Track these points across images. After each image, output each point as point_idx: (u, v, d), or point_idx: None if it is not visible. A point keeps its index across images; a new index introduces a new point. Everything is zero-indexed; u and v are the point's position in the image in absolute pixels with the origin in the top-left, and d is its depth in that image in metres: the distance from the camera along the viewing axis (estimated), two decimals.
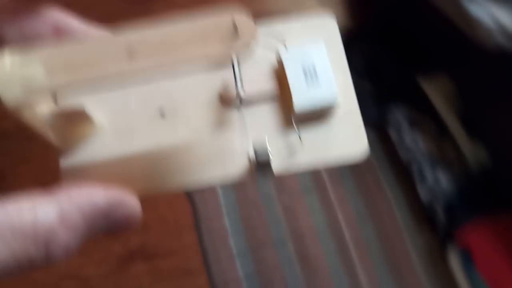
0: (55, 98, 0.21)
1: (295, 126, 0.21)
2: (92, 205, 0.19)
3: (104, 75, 0.19)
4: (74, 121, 0.21)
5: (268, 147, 0.20)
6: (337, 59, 0.22)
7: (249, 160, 0.21)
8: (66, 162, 0.22)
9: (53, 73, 0.19)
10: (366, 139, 0.22)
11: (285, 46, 0.22)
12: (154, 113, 0.22)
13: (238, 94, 0.21)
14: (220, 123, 0.22)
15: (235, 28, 0.19)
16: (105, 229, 0.20)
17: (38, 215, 0.17)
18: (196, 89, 0.22)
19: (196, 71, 0.22)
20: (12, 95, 0.18)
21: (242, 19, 0.19)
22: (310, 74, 0.22)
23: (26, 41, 0.21)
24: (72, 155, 0.22)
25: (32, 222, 0.17)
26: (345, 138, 0.22)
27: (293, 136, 0.22)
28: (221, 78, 0.22)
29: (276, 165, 0.21)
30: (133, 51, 0.19)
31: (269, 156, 0.20)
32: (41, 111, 0.20)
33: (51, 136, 0.21)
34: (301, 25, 0.23)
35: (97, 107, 0.22)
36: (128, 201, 0.20)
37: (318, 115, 0.22)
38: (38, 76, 0.19)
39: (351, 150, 0.22)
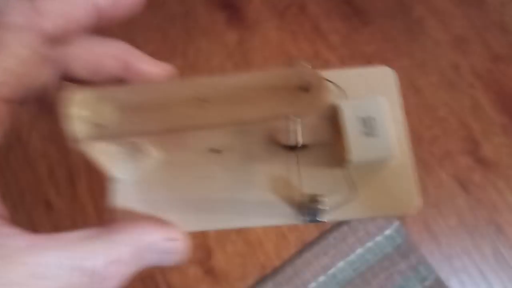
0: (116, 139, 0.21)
1: (350, 177, 0.22)
2: (145, 242, 0.20)
3: (175, 121, 0.19)
4: (130, 149, 0.22)
5: (320, 196, 0.21)
6: (394, 112, 0.23)
7: (300, 206, 0.22)
8: (118, 187, 0.22)
9: (124, 115, 0.19)
10: (418, 194, 0.22)
11: (345, 96, 0.23)
12: (209, 149, 0.23)
13: (296, 139, 0.22)
14: (274, 165, 0.22)
15: (309, 85, 0.19)
16: (151, 263, 0.21)
17: (87, 252, 0.18)
18: (251, 129, 0.23)
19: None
20: (81, 132, 0.18)
21: (314, 75, 0.19)
22: (368, 126, 0.22)
23: (96, 78, 0.21)
24: (124, 182, 0.22)
25: (81, 258, 0.18)
26: (398, 192, 0.22)
27: (346, 185, 0.22)
28: (280, 121, 0.22)
29: (326, 212, 0.22)
30: (204, 99, 0.19)
31: (325, 204, 0.21)
32: (98, 142, 0.20)
33: (106, 163, 0.21)
34: (360, 76, 0.23)
35: (155, 141, 0.23)
36: (178, 238, 0.21)
37: (372, 167, 0.22)
38: (109, 117, 0.19)
39: (403, 204, 0.22)
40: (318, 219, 0.22)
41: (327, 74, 0.23)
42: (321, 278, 0.57)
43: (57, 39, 0.20)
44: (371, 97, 0.22)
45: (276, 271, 0.57)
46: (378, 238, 0.58)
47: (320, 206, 0.21)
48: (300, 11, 0.66)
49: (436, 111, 0.61)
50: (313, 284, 0.57)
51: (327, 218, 0.22)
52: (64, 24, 0.20)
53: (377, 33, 0.64)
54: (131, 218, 0.21)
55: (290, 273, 0.57)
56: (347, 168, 0.22)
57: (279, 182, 0.22)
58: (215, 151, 0.23)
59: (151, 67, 0.22)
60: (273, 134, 0.23)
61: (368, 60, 0.64)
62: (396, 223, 0.58)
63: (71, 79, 0.22)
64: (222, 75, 0.19)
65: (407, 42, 0.64)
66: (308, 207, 0.21)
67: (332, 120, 0.23)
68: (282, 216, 0.22)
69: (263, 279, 0.57)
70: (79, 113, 0.18)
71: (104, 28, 0.22)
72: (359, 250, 0.58)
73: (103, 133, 0.19)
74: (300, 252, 0.58)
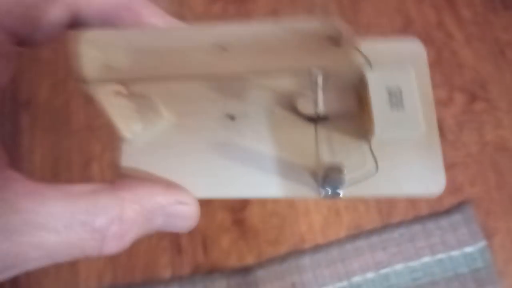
0: (127, 83, 0.20)
1: (372, 151, 0.21)
2: (153, 203, 0.19)
3: (192, 68, 0.18)
4: (142, 106, 0.21)
5: (343, 168, 0.19)
6: (423, 86, 0.21)
7: (318, 178, 0.20)
8: (128, 148, 0.22)
9: (136, 58, 0.18)
10: (444, 175, 0.20)
11: (371, 66, 0.21)
12: (223, 114, 0.22)
13: (317, 109, 0.21)
14: (292, 134, 0.21)
15: (338, 35, 0.17)
16: (161, 227, 0.20)
17: (100, 207, 0.18)
18: (269, 95, 0.22)
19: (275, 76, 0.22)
20: (90, 74, 0.17)
21: (346, 29, 0.17)
22: (395, 99, 0.21)
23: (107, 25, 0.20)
24: (134, 142, 0.22)
25: (93, 213, 0.17)
26: (422, 171, 0.21)
27: (369, 160, 0.21)
28: (300, 87, 0.22)
29: (346, 186, 0.20)
30: (224, 47, 0.17)
31: (343, 175, 0.19)
32: (112, 92, 0.20)
33: (117, 119, 0.20)
34: (389, 47, 0.22)
35: (168, 99, 0.22)
36: (188, 202, 0.20)
37: (396, 142, 0.21)
38: (120, 59, 0.18)
39: (426, 184, 0.21)
40: (336, 192, 0.21)
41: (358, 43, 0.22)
42: (370, 275, 0.45)
43: None
44: (398, 66, 0.21)
45: (318, 248, 0.46)
46: (455, 253, 0.46)
47: (339, 178, 0.20)
48: None
49: None
50: (358, 278, 0.45)
51: (345, 192, 0.21)
52: None
53: None
54: (140, 179, 0.21)
55: (335, 256, 0.46)
56: (370, 142, 0.21)
57: (296, 153, 0.21)
58: (231, 117, 0.22)
59: (161, 22, 0.21)
60: (293, 103, 0.22)
61: (500, 48, 0.52)
62: (482, 243, 0.46)
63: (79, 26, 0.20)
64: (243, 22, 0.18)
65: None
66: (326, 179, 0.20)
67: (357, 90, 0.22)
68: (298, 188, 0.21)
69: (300, 252, 0.46)
70: (90, 52, 0.18)
71: None
72: (427, 259, 0.46)
73: (114, 75, 0.18)
74: (353, 237, 0.47)
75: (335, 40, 0.17)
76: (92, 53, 0.18)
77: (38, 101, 0.53)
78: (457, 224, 0.47)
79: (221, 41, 0.18)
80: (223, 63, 0.18)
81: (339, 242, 0.46)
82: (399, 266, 0.46)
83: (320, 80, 0.21)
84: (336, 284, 0.45)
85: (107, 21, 0.20)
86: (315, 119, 0.22)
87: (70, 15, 0.20)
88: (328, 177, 0.20)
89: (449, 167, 0.49)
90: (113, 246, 0.18)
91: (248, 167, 0.21)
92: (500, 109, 0.51)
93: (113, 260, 0.47)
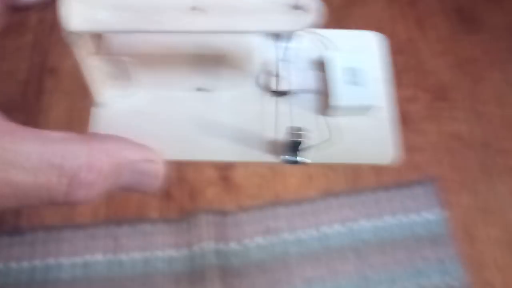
0: (102, 44, 0.22)
1: (327, 120, 0.23)
2: (122, 156, 0.19)
3: (164, 24, 0.19)
4: (116, 72, 0.23)
5: (301, 130, 0.21)
6: (382, 70, 0.24)
7: (282, 144, 0.22)
8: (99, 111, 0.23)
9: (117, 13, 0.19)
10: (398, 146, 0.23)
11: (337, 49, 0.24)
12: (195, 87, 0.24)
13: (279, 83, 0.23)
14: (256, 106, 0.23)
15: (301, 5, 0.19)
16: (129, 184, 0.20)
17: (69, 151, 0.18)
18: (238, 70, 0.24)
19: (243, 50, 0.24)
20: (75, 26, 0.19)
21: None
22: (352, 75, 0.23)
23: None
24: (106, 107, 0.23)
25: (62, 157, 0.17)
26: (378, 141, 0.23)
27: (326, 130, 0.23)
28: (265, 62, 0.24)
29: (308, 153, 0.22)
30: (196, 6, 0.19)
31: (300, 136, 0.21)
32: (90, 50, 0.21)
33: (93, 81, 0.22)
34: (354, 37, 0.25)
35: (144, 70, 0.23)
36: (156, 161, 0.20)
37: (354, 115, 0.23)
38: (102, 13, 0.19)
39: (381, 153, 0.22)
40: (298, 158, 0.22)
41: (322, 31, 0.25)
42: (337, 227, 0.51)
43: None
44: (359, 51, 0.24)
45: (292, 203, 0.52)
46: (413, 217, 0.52)
47: (297, 143, 0.21)
48: (408, 4, 0.67)
49: None
50: (326, 228, 0.51)
51: (306, 158, 0.22)
52: None
53: (478, 45, 0.63)
54: (111, 134, 0.21)
55: (307, 210, 0.51)
56: (331, 114, 0.23)
57: (259, 123, 0.23)
58: (201, 90, 0.24)
59: None
60: (263, 79, 0.24)
61: (458, 62, 0.62)
62: (438, 211, 0.52)
63: None
64: None
65: (506, 59, 0.62)
66: (285, 145, 0.21)
67: (322, 69, 0.24)
68: (259, 154, 0.22)
69: (276, 204, 0.52)
70: (75, 5, 0.19)
71: None
72: (388, 219, 0.51)
73: (95, 27, 0.19)
74: (324, 196, 0.53)
75: (297, 7, 0.19)
76: (76, 5, 0.19)
77: (63, 70, 0.61)
78: (417, 194, 0.53)
79: (195, 2, 0.19)
80: (196, 21, 0.19)
81: (311, 199, 0.52)
82: (363, 222, 0.51)
83: (282, 54, 0.24)
84: (306, 231, 0.50)
85: None
86: (278, 93, 0.23)
87: None
88: (287, 142, 0.21)
89: (411, 149, 0.56)
90: (80, 194, 0.18)
91: (214, 134, 0.23)
92: (457, 108, 0.59)
93: (108, 198, 0.53)
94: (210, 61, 0.24)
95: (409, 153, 0.56)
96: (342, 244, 0.50)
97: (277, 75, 0.23)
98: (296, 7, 0.19)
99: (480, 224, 0.52)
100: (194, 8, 0.19)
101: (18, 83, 0.60)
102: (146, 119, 0.23)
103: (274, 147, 0.22)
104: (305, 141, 0.21)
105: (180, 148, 0.22)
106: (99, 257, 0.49)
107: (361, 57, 0.24)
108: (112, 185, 0.19)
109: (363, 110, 0.23)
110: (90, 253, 0.49)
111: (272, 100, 0.23)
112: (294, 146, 0.21)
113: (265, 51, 0.24)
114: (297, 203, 0.52)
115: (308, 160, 0.22)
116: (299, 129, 0.21)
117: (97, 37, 0.22)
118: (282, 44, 0.24)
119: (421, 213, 0.52)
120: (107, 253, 0.50)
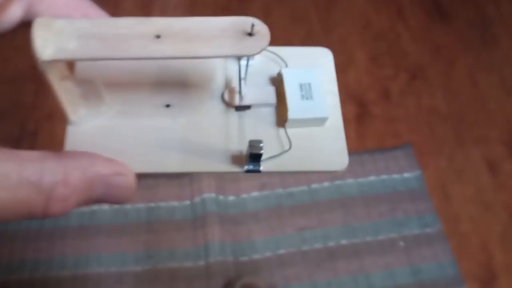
0: (73, 67, 0.24)
1: (286, 132, 0.24)
2: (94, 172, 0.20)
3: (130, 51, 0.20)
4: (87, 92, 0.24)
5: (261, 143, 0.22)
6: (330, 84, 0.26)
7: (242, 153, 0.24)
8: (73, 130, 0.24)
9: (84, 43, 0.20)
10: (347, 154, 0.24)
11: (287, 65, 0.26)
12: (161, 104, 0.25)
13: (240, 98, 0.25)
14: (219, 121, 0.25)
15: (251, 28, 0.21)
16: (102, 196, 0.21)
17: (46, 169, 0.19)
18: (203, 88, 0.26)
19: (206, 70, 0.26)
20: (47, 56, 0.20)
21: (259, 23, 0.21)
22: (305, 90, 0.25)
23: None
24: (79, 125, 0.24)
25: (39, 174, 0.18)
26: (329, 151, 0.24)
27: (284, 141, 0.24)
28: (227, 80, 0.25)
29: (265, 163, 0.23)
30: (160, 34, 0.20)
31: (261, 149, 0.22)
32: (62, 75, 0.22)
33: (65, 103, 0.23)
34: (303, 53, 0.27)
35: (113, 89, 0.25)
36: (127, 174, 0.22)
37: (308, 126, 0.25)
38: (70, 42, 0.20)
39: (332, 162, 0.24)
40: (255, 168, 0.23)
41: (276, 48, 0.26)
42: (326, 184, 0.55)
43: None
44: (309, 68, 0.26)
45: None
46: (396, 176, 0.57)
47: (258, 154, 0.22)
48: None
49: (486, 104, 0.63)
50: (316, 185, 0.55)
51: (264, 167, 0.23)
52: None
53: (453, 33, 0.70)
54: (84, 150, 0.22)
55: None
56: (285, 126, 0.24)
57: (228, 136, 0.24)
58: (167, 106, 0.25)
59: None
60: (226, 96, 0.25)
61: (436, 46, 0.68)
62: (418, 171, 0.57)
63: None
64: (178, 17, 0.21)
65: (477, 46, 0.68)
66: (247, 155, 0.23)
67: (277, 86, 0.26)
68: (223, 164, 0.23)
69: None
70: (45, 34, 0.20)
71: None
72: (372, 178, 0.56)
73: (64, 55, 0.20)
74: None
75: (250, 34, 0.21)
76: (46, 35, 0.20)
77: None
78: (399, 157, 0.58)
79: (157, 30, 0.20)
80: (159, 48, 0.20)
81: None
82: (350, 181, 0.56)
83: (243, 73, 0.25)
84: (299, 187, 0.55)
85: (57, 17, 0.22)
86: (241, 108, 0.25)
87: (25, 10, 0.23)
88: (249, 153, 0.22)
89: (392, 120, 0.61)
90: (57, 207, 0.19)
91: (181, 148, 0.24)
92: (434, 86, 0.65)
93: None
94: (177, 80, 0.26)
95: (391, 123, 0.61)
96: (331, 198, 0.54)
97: (239, 92, 0.25)
98: (250, 34, 0.21)
99: (456, 184, 0.57)
100: (158, 36, 0.20)
101: (29, 58, 0.64)
102: (117, 135, 0.24)
103: (238, 158, 0.23)
104: (265, 152, 0.23)
105: (149, 161, 0.23)
106: (105, 207, 0.53)
107: (312, 73, 0.25)
108: (86, 198, 0.20)
109: (317, 122, 0.25)
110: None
111: (235, 115, 0.25)
112: (255, 157, 0.23)
113: (228, 69, 0.26)
114: None
115: (268, 170, 0.23)
116: (259, 141, 0.22)
117: (69, 63, 0.23)
118: (243, 63, 0.25)
119: (402, 174, 0.57)
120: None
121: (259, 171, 0.23)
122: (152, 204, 0.53)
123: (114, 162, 0.21)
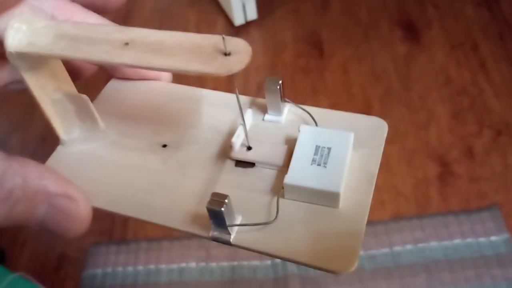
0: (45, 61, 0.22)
1: (278, 200, 0.20)
2: (39, 185, 0.18)
3: (92, 53, 0.20)
4: (82, 113, 0.23)
5: (226, 198, 0.18)
6: (370, 160, 0.21)
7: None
8: (61, 149, 0.23)
9: (54, 42, 0.20)
10: (358, 255, 0.18)
11: (316, 123, 0.22)
12: (157, 142, 0.23)
13: (247, 154, 0.22)
14: (212, 172, 0.22)
15: (224, 45, 0.18)
16: (45, 220, 0.19)
17: None
18: (206, 135, 0.23)
19: (220, 119, 0.24)
20: (15, 47, 0.20)
21: (237, 40, 0.19)
22: (321, 154, 0.20)
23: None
24: (69, 146, 0.23)
25: None
26: (334, 242, 0.18)
27: (271, 212, 0.20)
28: (241, 134, 0.22)
29: (240, 234, 0.19)
30: (130, 42, 0.20)
31: (221, 206, 0.18)
32: (52, 93, 0.22)
33: (53, 118, 0.22)
34: (352, 121, 0.22)
35: (110, 114, 0.25)
36: (77, 200, 0.19)
37: (314, 203, 0.20)
38: (45, 40, 0.20)
39: (333, 258, 0.18)
40: (222, 236, 0.19)
41: (320, 111, 0.23)
42: (409, 247, 0.55)
43: None
44: (337, 131, 0.21)
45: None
46: (482, 239, 0.55)
47: (215, 209, 0.18)
48: (471, 49, 0.73)
49: None
50: (398, 248, 0.55)
51: (235, 239, 0.19)
52: None
53: None
54: (41, 164, 0.20)
55: (380, 230, 0.56)
56: (281, 194, 0.20)
57: (203, 190, 0.21)
58: (163, 145, 0.23)
59: (91, 20, 0.23)
60: (227, 148, 0.22)
61: None
62: (506, 235, 0.55)
63: None
64: (152, 29, 0.20)
65: None
66: (213, 216, 0.19)
67: (291, 146, 0.21)
68: (188, 224, 0.20)
69: None
70: (21, 28, 0.20)
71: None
72: (458, 241, 0.55)
73: (33, 50, 0.20)
74: (396, 219, 0.57)
75: (226, 53, 0.18)
76: (22, 29, 0.20)
77: None
78: (485, 218, 0.56)
79: (129, 39, 0.20)
80: (122, 55, 0.19)
81: (384, 221, 0.57)
82: (434, 244, 0.55)
83: (248, 119, 0.22)
84: (381, 250, 0.55)
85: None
86: (240, 164, 0.22)
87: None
88: (211, 212, 0.18)
89: (477, 179, 0.60)
90: None
91: (156, 193, 0.21)
92: None
93: None
94: (185, 120, 0.24)
95: (476, 182, 0.60)
96: (414, 262, 0.54)
97: (248, 147, 0.22)
98: (226, 54, 0.18)
99: None
100: (126, 44, 0.19)
101: None
102: (101, 166, 0.23)
103: (207, 221, 0.19)
104: (241, 218, 0.19)
105: (114, 198, 0.21)
106: (192, 264, 0.56)
107: (339, 138, 0.21)
108: (24, 211, 0.18)
109: (326, 198, 0.19)
110: (185, 261, 0.56)
111: (233, 171, 0.22)
112: (215, 216, 0.18)
113: (242, 121, 0.22)
114: (371, 224, 0.57)
115: (240, 244, 0.19)
116: (224, 196, 0.18)
117: (48, 68, 0.22)
118: (261, 116, 0.23)
119: (489, 237, 0.55)
120: (200, 261, 0.56)
121: (229, 243, 0.19)
122: (235, 263, 0.56)
123: (66, 183, 0.19)
